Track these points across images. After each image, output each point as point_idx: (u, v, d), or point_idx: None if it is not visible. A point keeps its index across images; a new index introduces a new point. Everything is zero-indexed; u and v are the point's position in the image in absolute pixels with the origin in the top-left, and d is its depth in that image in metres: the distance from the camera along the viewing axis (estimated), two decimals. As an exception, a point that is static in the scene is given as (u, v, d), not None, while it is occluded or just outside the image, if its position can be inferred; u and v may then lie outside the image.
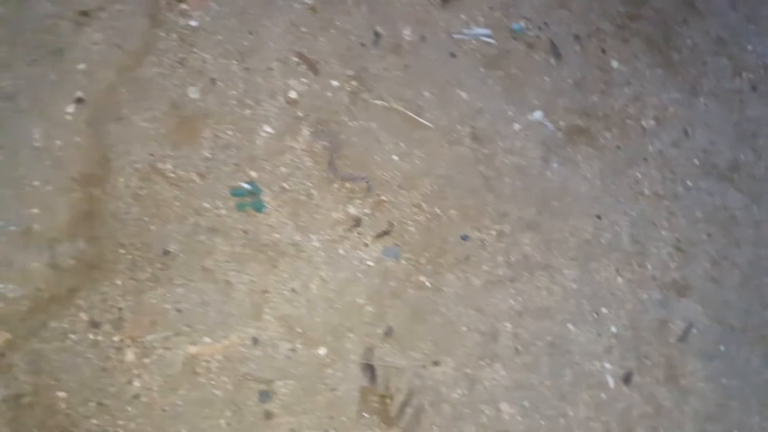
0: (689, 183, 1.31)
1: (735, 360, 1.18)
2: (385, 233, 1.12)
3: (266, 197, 1.09)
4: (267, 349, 1.00)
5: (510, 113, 1.26)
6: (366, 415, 1.00)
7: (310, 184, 1.12)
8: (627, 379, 1.13)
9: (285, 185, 1.11)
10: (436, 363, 1.06)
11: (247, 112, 1.12)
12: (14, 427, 0.87)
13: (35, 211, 0.96)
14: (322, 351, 1.02)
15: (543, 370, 1.11)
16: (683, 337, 1.18)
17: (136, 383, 0.94)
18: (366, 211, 1.13)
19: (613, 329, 1.16)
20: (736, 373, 1.17)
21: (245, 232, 1.06)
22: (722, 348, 1.19)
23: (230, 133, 1.11)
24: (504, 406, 1.07)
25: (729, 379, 1.17)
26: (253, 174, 1.10)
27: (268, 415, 0.97)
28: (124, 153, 1.04)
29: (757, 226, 1.29)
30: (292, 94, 1.16)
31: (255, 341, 1.00)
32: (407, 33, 1.26)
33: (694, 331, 1.19)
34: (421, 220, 1.15)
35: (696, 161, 1.33)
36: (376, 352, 1.04)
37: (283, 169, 1.11)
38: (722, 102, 1.39)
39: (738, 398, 1.16)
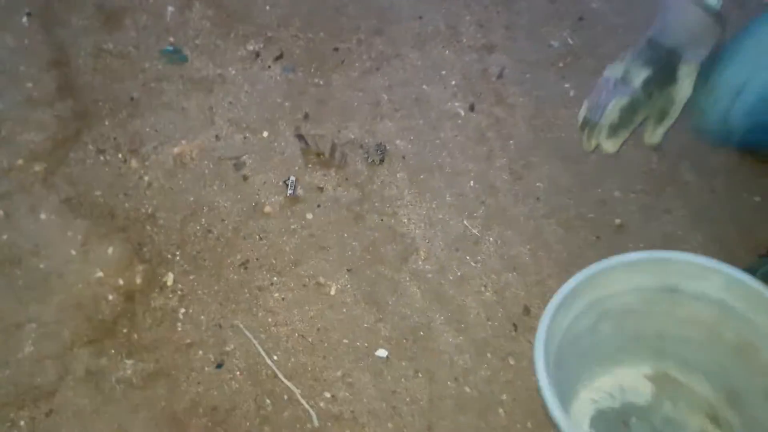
0: (474, -15, 1.84)
1: (537, 80, 1.72)
2: (279, 57, 1.56)
3: (186, 52, 1.49)
4: (227, 140, 1.41)
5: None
6: (310, 165, 1.44)
7: (214, 38, 1.53)
8: (472, 108, 1.64)
9: (197, 42, 1.52)
10: (345, 128, 1.52)
11: (151, 1, 1.52)
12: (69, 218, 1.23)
13: (29, 85, 1.31)
14: (265, 134, 1.45)
15: (416, 115, 1.59)
16: (500, 75, 1.70)
17: (146, 178, 1.32)
18: (261, 45, 1.56)
19: (453, 82, 1.67)
20: (541, 87, 1.71)
21: (181, 75, 1.46)
22: (528, 75, 1.73)
23: (145, 17, 1.50)
24: (398, 142, 1.54)
25: (537, 91, 1.70)
26: (172, 39, 1.50)
27: (245, 178, 1.38)
28: (75, 44, 1.40)
29: (530, 1, 1.84)
30: (180, -16, 1.57)
31: (217, 137, 1.41)
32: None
33: (507, 70, 1.71)
34: (301, 44, 1.60)
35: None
36: (302, 129, 1.48)
37: (191, 32, 1.52)
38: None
39: (547, 102, 1.69)
